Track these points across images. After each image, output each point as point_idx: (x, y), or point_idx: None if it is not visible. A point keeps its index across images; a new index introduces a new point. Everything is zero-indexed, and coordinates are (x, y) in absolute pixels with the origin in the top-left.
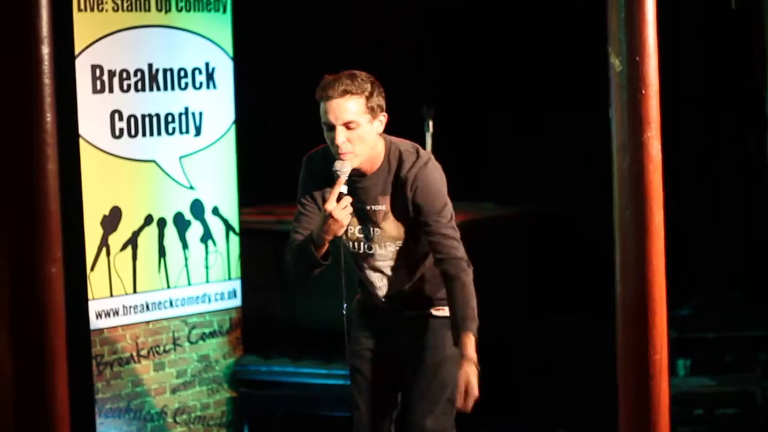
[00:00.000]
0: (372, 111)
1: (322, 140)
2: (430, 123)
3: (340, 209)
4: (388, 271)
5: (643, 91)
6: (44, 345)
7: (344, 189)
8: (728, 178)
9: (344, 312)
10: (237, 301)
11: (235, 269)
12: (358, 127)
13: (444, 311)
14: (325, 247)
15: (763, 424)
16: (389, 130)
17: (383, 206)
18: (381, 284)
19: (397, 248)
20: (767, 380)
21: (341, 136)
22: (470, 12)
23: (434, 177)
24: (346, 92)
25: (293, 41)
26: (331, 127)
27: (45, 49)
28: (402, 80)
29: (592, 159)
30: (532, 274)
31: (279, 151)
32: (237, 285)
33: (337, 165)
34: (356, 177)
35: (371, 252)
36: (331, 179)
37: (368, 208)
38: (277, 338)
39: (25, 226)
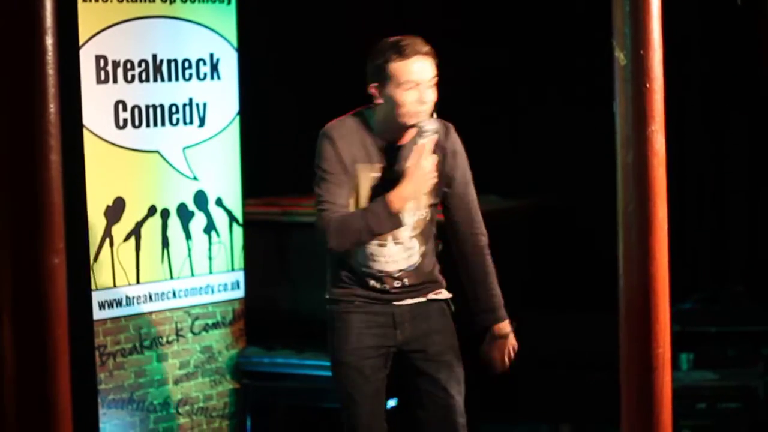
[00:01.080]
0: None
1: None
2: (434, 114)
3: (432, 167)
4: (408, 243)
5: (648, 85)
6: (46, 336)
7: (431, 146)
8: (733, 172)
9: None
10: (240, 293)
11: (239, 260)
12: (433, 89)
13: (441, 294)
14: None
15: (766, 419)
16: None
17: None
18: (399, 257)
19: (421, 217)
20: None
21: (431, 94)
22: (475, 4)
23: (462, 148)
24: (429, 53)
25: (298, 33)
26: (415, 85)
27: (49, 40)
28: None
29: (596, 151)
30: (535, 268)
31: (283, 142)
32: (240, 276)
33: (426, 125)
34: (392, 144)
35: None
36: (365, 150)
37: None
38: (281, 330)
39: (27, 216)
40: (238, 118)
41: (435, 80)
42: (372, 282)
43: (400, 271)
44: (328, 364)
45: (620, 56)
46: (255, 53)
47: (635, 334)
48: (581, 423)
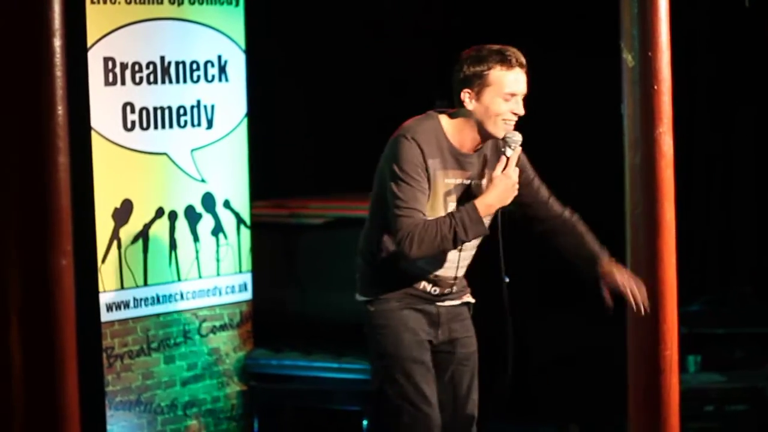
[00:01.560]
0: None
1: (334, 135)
2: None
3: (516, 178)
4: (470, 249)
5: (656, 87)
6: (54, 337)
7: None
8: (741, 173)
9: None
10: (248, 295)
11: (246, 262)
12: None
13: (470, 298)
14: None
15: None
16: (415, 113)
17: (485, 180)
18: (459, 264)
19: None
20: None
21: (522, 107)
22: (486, 6)
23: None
24: (525, 66)
25: (306, 34)
26: (512, 96)
27: (57, 42)
28: (415, 73)
29: (604, 153)
30: (543, 268)
31: (291, 144)
32: (248, 278)
33: (515, 136)
34: (466, 152)
35: None
36: (441, 155)
37: (473, 183)
38: (288, 332)
39: (35, 218)
40: (246, 120)
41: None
42: (424, 284)
43: (455, 277)
44: (336, 365)
45: (628, 58)
46: (263, 55)
47: (643, 335)
48: (590, 424)
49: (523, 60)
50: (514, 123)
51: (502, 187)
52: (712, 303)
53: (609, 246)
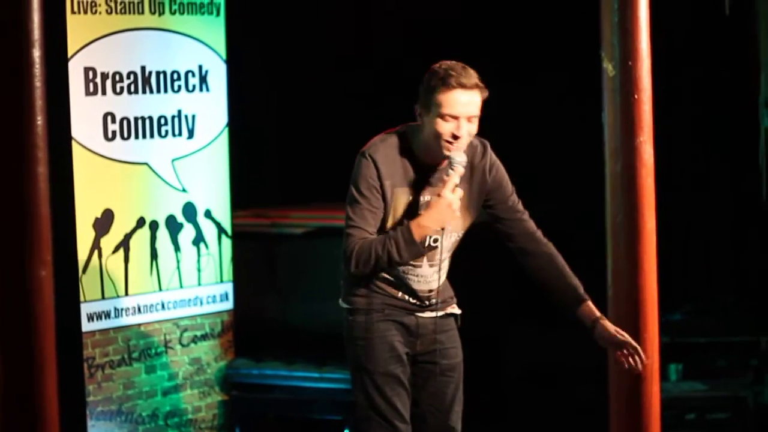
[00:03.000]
0: (481, 107)
1: (315, 145)
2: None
3: (457, 200)
4: (444, 264)
5: (636, 96)
6: (34, 347)
7: (457, 180)
8: (721, 183)
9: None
10: (229, 304)
11: (228, 272)
12: (474, 122)
13: (455, 309)
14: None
15: (755, 429)
16: (392, 124)
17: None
18: (432, 278)
19: (458, 239)
20: (759, 385)
21: (464, 128)
22: (471, 7)
23: (499, 162)
24: (477, 86)
25: (286, 44)
26: (452, 118)
27: (36, 53)
28: (398, 78)
29: (585, 163)
30: (522, 277)
31: (271, 154)
32: (229, 288)
33: (456, 156)
34: (435, 166)
35: (436, 244)
36: (404, 172)
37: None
38: (270, 341)
39: (15, 228)
40: (226, 130)
41: (477, 114)
42: (400, 294)
43: (431, 291)
44: (317, 375)
45: (608, 67)
46: (244, 65)
47: None
48: None
49: (469, 81)
50: (461, 144)
51: (437, 209)
52: (693, 312)
53: (590, 255)
